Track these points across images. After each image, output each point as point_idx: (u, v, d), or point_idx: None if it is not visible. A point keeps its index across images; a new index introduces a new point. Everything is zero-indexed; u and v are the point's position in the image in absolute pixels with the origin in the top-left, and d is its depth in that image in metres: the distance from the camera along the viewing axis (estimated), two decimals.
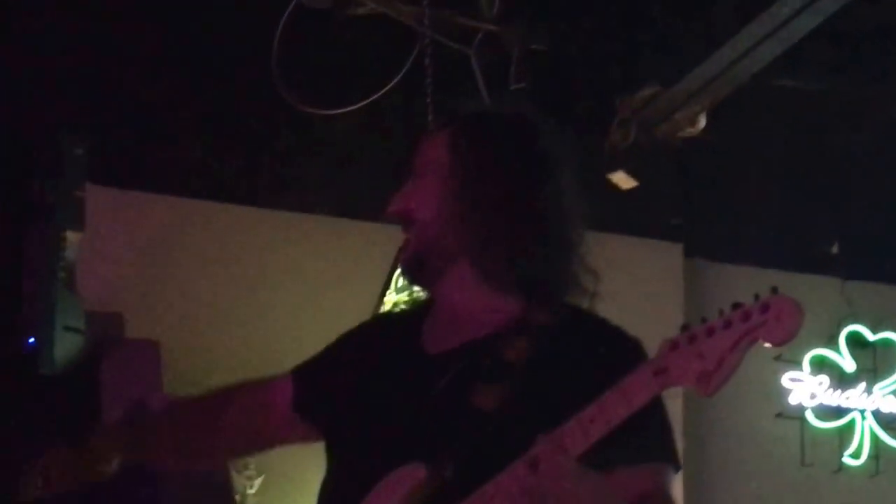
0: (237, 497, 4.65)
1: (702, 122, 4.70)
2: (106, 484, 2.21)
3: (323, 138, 4.80)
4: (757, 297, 1.75)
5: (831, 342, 6.00)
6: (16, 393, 4.01)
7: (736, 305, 1.76)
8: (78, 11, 4.22)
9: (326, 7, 4.20)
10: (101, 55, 4.38)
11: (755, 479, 5.82)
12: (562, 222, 2.03)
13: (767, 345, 1.73)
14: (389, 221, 2.13)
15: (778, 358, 5.77)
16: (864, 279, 6.00)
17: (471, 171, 2.03)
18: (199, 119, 4.77)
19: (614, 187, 4.80)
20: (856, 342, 6.01)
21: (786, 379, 5.95)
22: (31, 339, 4.04)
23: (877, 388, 6.04)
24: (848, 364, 6.04)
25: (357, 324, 2.25)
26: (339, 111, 4.28)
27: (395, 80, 4.15)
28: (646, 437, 1.90)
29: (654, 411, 1.90)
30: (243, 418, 2.24)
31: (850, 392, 6.00)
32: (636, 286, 5.09)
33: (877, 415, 6.02)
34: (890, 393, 6.03)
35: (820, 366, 5.98)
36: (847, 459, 5.96)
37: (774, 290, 1.74)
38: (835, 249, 5.80)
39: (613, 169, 4.77)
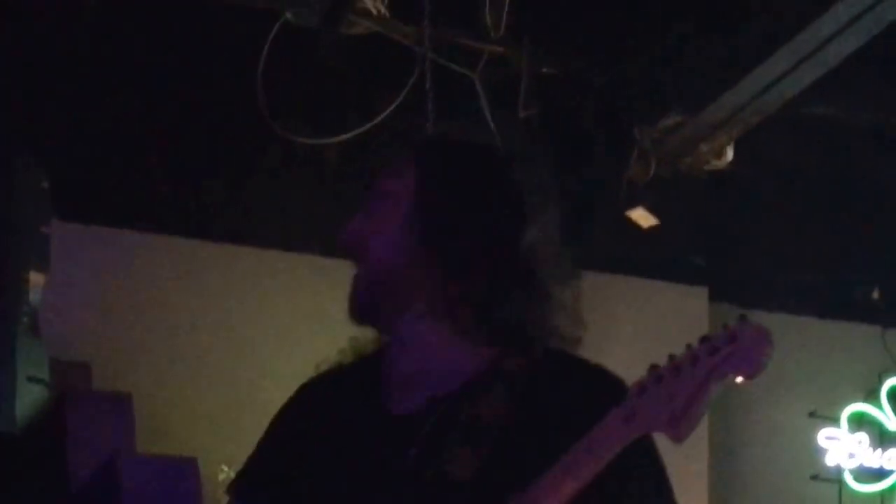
0: None
1: (729, 154, 4.69)
2: None
3: (310, 170, 4.78)
4: (725, 326, 1.74)
5: (871, 396, 5.94)
6: None
7: (704, 339, 1.75)
8: (45, 35, 4.22)
9: (315, 25, 4.19)
10: (69, 80, 4.39)
11: None
12: (533, 260, 1.95)
13: (739, 379, 1.71)
14: (339, 256, 2.02)
15: (813, 414, 5.77)
16: None
17: (432, 204, 1.97)
18: (174, 149, 4.77)
19: (633, 225, 4.78)
20: None
21: (822, 437, 5.86)
22: None
23: None
24: (890, 421, 5.96)
25: (297, 388, 2.08)
26: (330, 140, 4.30)
27: (393, 107, 4.17)
28: (632, 498, 1.86)
29: (644, 465, 1.85)
30: None
31: (892, 451, 5.92)
32: (657, 333, 5.07)
33: None
34: None
35: (859, 423, 5.90)
36: None
37: (742, 316, 1.72)
38: (875, 295, 5.80)
39: (632, 205, 4.75)
